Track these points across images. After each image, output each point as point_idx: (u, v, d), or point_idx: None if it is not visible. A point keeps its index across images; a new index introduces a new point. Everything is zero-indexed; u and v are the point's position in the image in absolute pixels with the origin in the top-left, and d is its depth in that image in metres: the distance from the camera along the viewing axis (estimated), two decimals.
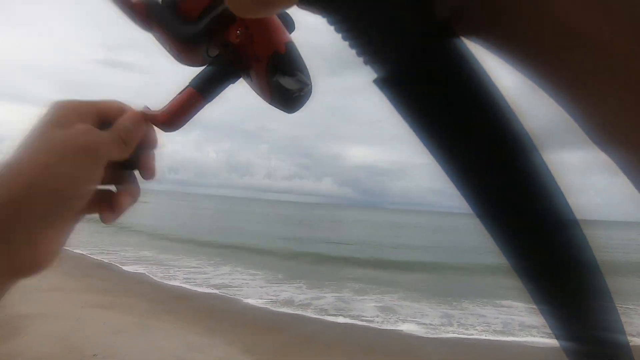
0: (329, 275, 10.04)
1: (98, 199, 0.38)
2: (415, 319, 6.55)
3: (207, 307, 6.39)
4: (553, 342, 0.23)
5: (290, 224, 32.57)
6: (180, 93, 0.37)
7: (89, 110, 0.37)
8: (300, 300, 7.50)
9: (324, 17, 0.20)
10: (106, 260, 9.47)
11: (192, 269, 9.56)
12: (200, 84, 0.36)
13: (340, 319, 6.37)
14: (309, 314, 6.69)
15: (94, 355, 3.78)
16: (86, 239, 10.81)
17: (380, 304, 7.51)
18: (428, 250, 18.44)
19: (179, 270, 9.25)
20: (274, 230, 24.10)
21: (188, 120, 0.37)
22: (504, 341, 5.63)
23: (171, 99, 0.37)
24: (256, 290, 8.08)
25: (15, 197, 0.32)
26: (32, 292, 5.41)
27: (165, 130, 0.38)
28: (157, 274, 8.54)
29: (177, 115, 0.37)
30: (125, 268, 8.86)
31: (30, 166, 0.33)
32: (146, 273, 8.56)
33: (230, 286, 8.21)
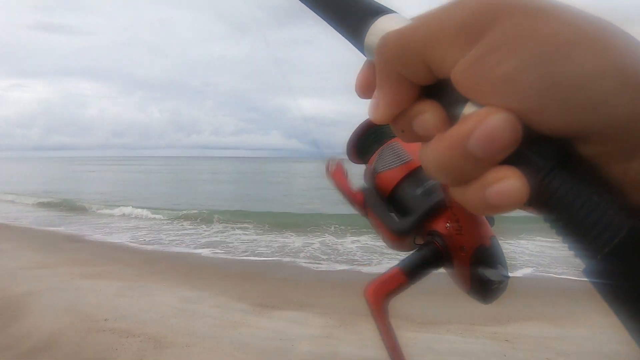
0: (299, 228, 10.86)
1: None
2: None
3: (189, 266, 6.78)
4: None
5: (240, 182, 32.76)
6: (388, 271, 0.39)
7: None
8: (275, 249, 8.22)
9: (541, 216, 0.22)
10: (74, 232, 9.53)
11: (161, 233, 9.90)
12: (408, 268, 0.38)
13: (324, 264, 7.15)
14: (286, 259, 7.36)
15: (105, 319, 4.08)
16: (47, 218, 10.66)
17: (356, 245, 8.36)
18: None
19: (149, 235, 9.57)
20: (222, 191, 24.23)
21: (391, 299, 0.39)
22: None
23: (380, 275, 0.39)
24: (235, 246, 8.66)
25: None
26: (18, 273, 5.55)
27: (370, 306, 0.38)
28: (130, 241, 8.80)
29: (383, 292, 0.38)
30: (94, 238, 8.98)
31: None
32: (120, 241, 8.76)
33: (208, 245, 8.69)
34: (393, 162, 0.41)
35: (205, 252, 8.08)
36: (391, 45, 0.25)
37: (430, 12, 0.24)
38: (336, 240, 9.17)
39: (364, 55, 0.29)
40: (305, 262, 7.16)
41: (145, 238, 9.32)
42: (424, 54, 0.23)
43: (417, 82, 0.25)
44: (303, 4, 0.34)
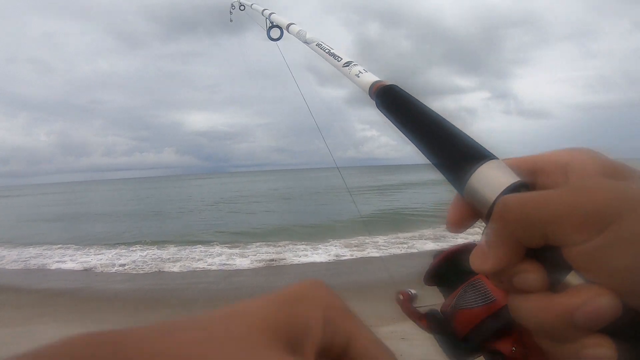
0: None
1: None
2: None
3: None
4: None
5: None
6: None
7: (341, 333, 0.25)
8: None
9: None
10: None
11: None
12: None
13: None
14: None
15: None
16: None
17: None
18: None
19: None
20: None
21: None
22: None
23: None
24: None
25: None
26: None
27: None
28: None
29: None
30: None
31: None
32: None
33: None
34: (476, 301, 0.40)
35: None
36: (515, 211, 0.27)
37: (557, 192, 0.27)
38: None
39: (458, 191, 0.32)
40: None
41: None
42: (546, 228, 0.26)
43: (529, 245, 0.27)
44: (393, 124, 0.40)
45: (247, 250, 10.36)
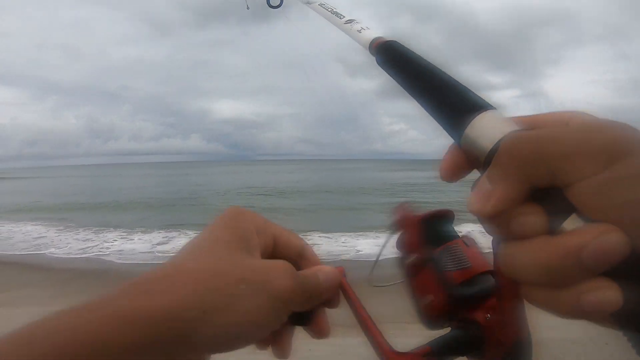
0: None
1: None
2: None
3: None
4: None
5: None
6: (419, 348, 0.37)
7: (269, 235, 0.38)
8: None
9: None
10: None
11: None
12: (437, 347, 0.37)
13: None
14: None
15: None
16: None
17: None
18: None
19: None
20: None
21: None
22: None
23: (407, 352, 0.37)
24: None
25: (191, 311, 0.30)
26: None
27: None
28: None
29: None
30: None
31: (211, 291, 0.31)
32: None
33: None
34: (452, 265, 0.39)
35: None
36: (524, 146, 0.26)
37: (567, 129, 0.26)
38: None
39: (455, 141, 0.32)
40: None
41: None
42: (556, 163, 0.25)
43: (534, 185, 0.26)
44: (393, 78, 0.40)
45: None
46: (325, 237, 10.18)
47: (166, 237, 10.73)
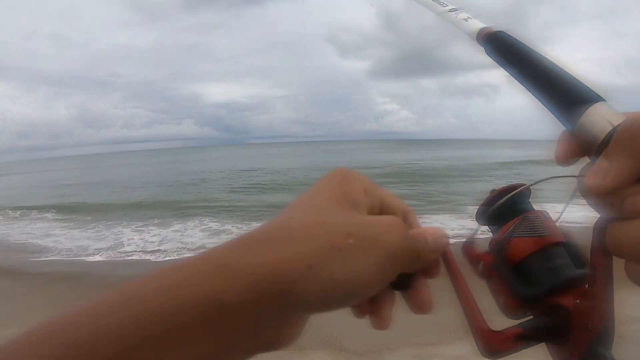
0: None
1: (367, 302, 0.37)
2: None
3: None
4: None
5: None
6: (510, 329, 0.38)
7: (376, 197, 0.37)
8: None
9: None
10: None
11: None
12: (531, 331, 0.38)
13: None
14: None
15: None
16: None
17: None
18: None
19: None
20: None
21: (505, 355, 0.38)
22: None
23: (502, 330, 0.38)
24: None
25: (296, 266, 0.29)
26: None
27: (484, 352, 0.38)
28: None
29: (505, 347, 0.38)
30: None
31: (317, 245, 0.30)
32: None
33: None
34: (530, 232, 0.41)
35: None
36: None
37: None
38: None
39: (567, 127, 0.35)
40: None
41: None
42: None
43: None
44: (503, 68, 0.42)
45: None
46: None
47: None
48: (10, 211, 13.12)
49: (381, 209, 0.37)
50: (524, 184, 0.43)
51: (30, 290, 5.27)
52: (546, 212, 0.43)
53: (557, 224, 0.41)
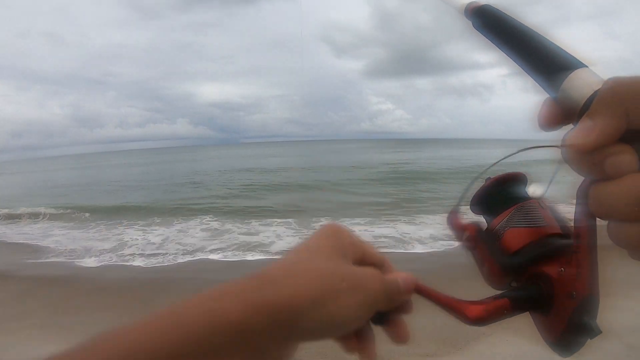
0: None
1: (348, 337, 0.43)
2: None
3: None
4: None
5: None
6: (495, 298, 0.39)
7: (359, 249, 0.45)
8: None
9: None
10: None
11: None
12: (516, 300, 0.39)
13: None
14: None
15: None
16: None
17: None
18: None
19: None
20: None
21: (490, 323, 0.39)
22: None
23: (484, 299, 0.40)
24: None
25: (304, 302, 0.35)
26: None
27: (468, 322, 0.39)
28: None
29: (487, 315, 0.39)
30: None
31: (319, 286, 0.37)
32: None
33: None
34: (525, 222, 0.41)
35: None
36: (626, 86, 0.29)
37: None
38: None
39: (548, 93, 0.35)
40: None
41: None
42: None
43: (630, 125, 0.28)
44: (489, 40, 0.42)
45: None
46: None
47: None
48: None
49: (363, 258, 0.44)
50: (521, 173, 0.44)
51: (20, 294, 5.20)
52: (543, 200, 0.43)
53: (555, 213, 0.42)
